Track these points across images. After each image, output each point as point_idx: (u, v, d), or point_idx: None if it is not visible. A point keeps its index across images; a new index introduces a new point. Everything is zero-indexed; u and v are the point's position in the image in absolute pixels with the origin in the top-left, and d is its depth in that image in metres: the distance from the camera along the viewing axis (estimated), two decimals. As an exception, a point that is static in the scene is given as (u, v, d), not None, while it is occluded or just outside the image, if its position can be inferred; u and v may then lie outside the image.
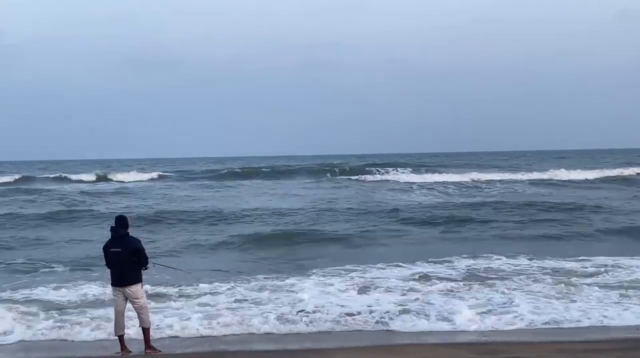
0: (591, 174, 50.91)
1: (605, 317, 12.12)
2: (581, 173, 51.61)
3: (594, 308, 12.52)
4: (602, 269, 15.97)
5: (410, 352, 10.23)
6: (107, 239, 10.85)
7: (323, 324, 12.00)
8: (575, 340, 10.65)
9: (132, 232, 10.82)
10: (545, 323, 11.89)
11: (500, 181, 47.04)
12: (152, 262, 10.90)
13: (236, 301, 13.41)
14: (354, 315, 12.30)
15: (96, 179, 56.47)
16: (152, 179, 56.75)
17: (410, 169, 59.54)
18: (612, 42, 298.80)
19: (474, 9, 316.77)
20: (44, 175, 59.74)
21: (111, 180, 55.90)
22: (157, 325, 11.62)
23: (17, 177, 55.93)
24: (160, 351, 10.66)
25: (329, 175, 56.25)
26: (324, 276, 15.75)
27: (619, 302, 12.94)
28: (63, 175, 58.72)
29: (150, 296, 12.86)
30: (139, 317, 10.70)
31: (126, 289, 10.54)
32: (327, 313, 12.37)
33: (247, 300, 13.46)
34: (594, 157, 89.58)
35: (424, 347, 10.49)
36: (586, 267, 16.34)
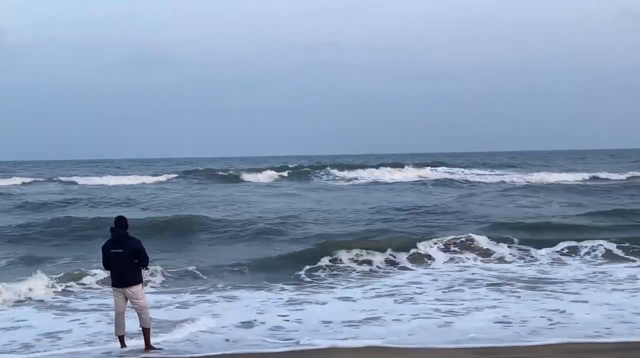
0: None
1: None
2: None
3: None
4: None
5: (411, 353, 10.18)
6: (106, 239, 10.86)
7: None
8: (576, 341, 10.54)
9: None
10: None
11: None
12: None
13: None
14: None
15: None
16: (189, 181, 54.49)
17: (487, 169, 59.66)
18: (614, 41, 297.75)
19: (476, 8, 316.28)
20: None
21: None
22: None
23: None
24: (159, 350, 10.68)
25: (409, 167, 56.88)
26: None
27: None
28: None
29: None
30: (140, 317, 10.71)
31: (127, 290, 10.57)
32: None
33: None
34: (629, 157, 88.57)
35: (424, 348, 10.40)
36: None
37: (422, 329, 11.63)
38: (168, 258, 18.85)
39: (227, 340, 11.31)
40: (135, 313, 10.78)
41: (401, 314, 12.71)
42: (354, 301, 14.10)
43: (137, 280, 10.64)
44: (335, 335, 11.30)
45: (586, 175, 49.56)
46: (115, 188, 45.76)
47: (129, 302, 10.68)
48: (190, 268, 17.42)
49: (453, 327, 11.75)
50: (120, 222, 10.69)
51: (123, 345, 10.75)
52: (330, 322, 12.30)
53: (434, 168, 61.55)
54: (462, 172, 59.15)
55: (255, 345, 10.87)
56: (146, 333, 10.78)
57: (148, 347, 10.71)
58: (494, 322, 11.97)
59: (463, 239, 20.06)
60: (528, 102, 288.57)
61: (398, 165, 62.91)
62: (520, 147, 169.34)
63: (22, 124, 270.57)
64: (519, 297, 13.96)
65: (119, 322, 10.72)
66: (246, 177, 54.85)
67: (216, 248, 21.58)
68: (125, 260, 10.50)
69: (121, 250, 10.52)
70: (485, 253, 19.24)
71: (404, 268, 17.99)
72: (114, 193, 40.80)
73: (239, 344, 10.99)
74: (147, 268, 10.81)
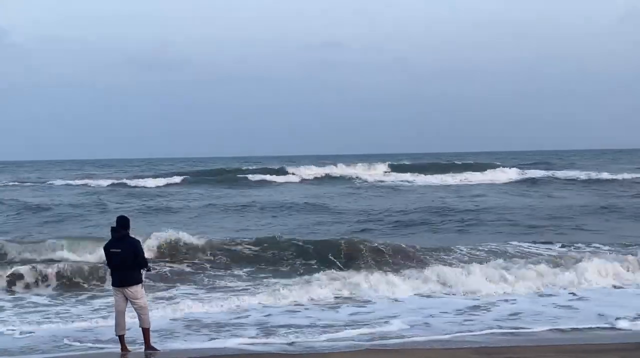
0: None
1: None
2: None
3: None
4: None
5: (411, 353, 10.27)
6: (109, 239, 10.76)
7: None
8: (575, 342, 10.66)
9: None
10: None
11: None
12: (151, 265, 11.06)
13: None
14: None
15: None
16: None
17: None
18: (617, 43, 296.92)
19: (479, 8, 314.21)
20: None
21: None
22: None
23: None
24: (160, 351, 10.66)
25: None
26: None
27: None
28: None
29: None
30: (139, 317, 10.68)
31: (126, 290, 10.54)
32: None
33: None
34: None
35: (424, 348, 10.49)
36: None
37: None
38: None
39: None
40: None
41: None
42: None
43: (137, 280, 10.57)
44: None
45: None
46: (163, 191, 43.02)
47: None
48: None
49: None
50: (121, 221, 10.62)
51: (123, 344, 10.67)
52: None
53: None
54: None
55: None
56: (146, 333, 10.71)
57: (148, 347, 10.65)
58: None
59: None
60: (528, 103, 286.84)
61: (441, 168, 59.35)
62: (521, 147, 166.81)
63: (22, 124, 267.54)
64: None
65: (119, 321, 10.64)
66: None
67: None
68: (124, 260, 10.46)
69: (120, 250, 10.47)
70: None
71: None
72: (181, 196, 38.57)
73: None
74: (149, 270, 10.80)
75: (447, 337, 11.31)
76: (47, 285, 15.89)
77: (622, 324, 11.85)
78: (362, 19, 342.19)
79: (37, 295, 15.32)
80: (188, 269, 17.36)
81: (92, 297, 14.96)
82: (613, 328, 11.70)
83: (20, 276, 15.94)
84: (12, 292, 15.44)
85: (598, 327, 11.83)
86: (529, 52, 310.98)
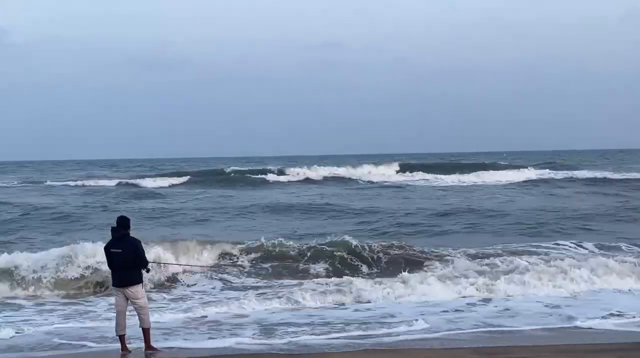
0: None
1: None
2: None
3: None
4: None
5: (410, 353, 10.25)
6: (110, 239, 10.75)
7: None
8: (573, 341, 10.64)
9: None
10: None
11: None
12: (152, 263, 11.24)
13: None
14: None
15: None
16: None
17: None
18: (617, 43, 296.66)
19: (479, 8, 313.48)
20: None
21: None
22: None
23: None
24: (160, 350, 10.66)
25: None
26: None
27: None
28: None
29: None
30: (139, 317, 10.68)
31: (126, 290, 10.53)
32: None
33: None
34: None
35: (423, 348, 10.47)
36: None
37: None
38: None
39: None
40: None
41: None
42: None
43: (137, 280, 10.56)
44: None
45: None
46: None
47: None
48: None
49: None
50: (122, 221, 10.62)
51: (123, 344, 10.67)
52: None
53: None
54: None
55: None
56: (146, 333, 10.71)
57: (148, 347, 10.65)
58: None
59: None
60: (528, 103, 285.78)
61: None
62: (522, 147, 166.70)
63: (22, 124, 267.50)
64: None
65: (119, 321, 10.64)
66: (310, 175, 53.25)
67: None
68: (124, 260, 10.45)
69: (120, 250, 10.46)
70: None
71: None
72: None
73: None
74: (147, 271, 10.73)
75: (446, 336, 11.35)
76: (64, 286, 15.97)
77: (586, 323, 11.95)
78: (362, 19, 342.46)
79: (55, 294, 15.52)
80: (193, 269, 17.29)
81: (108, 295, 14.93)
82: (612, 329, 11.69)
83: (39, 277, 16.05)
84: (31, 294, 15.60)
85: (593, 327, 11.82)
86: (529, 52, 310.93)
